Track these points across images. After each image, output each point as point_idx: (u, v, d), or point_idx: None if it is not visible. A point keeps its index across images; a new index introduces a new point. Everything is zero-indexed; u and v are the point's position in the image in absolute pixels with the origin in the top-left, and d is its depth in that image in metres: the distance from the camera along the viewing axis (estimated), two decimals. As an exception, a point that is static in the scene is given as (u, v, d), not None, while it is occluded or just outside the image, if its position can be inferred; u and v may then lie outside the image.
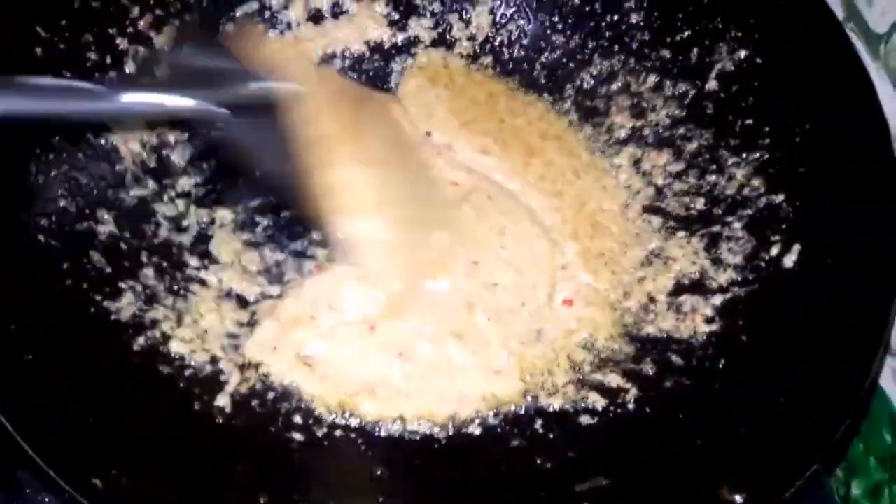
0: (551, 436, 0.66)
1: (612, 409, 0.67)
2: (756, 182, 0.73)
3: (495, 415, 0.68)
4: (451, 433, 0.67)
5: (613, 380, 0.69)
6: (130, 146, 0.74)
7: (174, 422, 0.62)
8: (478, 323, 0.71)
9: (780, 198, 0.71)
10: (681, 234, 0.76)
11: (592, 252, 0.76)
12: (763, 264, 0.70)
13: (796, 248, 0.68)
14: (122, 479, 0.55)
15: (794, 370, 0.62)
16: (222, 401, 0.65)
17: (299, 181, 0.69)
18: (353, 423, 0.67)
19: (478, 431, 0.67)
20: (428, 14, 0.86)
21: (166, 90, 0.65)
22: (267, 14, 0.83)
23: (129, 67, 0.75)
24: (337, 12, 0.85)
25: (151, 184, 0.74)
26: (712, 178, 0.76)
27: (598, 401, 0.68)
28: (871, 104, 0.68)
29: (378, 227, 0.71)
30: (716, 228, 0.74)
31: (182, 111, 0.66)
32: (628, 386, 0.68)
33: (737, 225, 0.73)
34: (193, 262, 0.73)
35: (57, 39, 0.70)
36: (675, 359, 0.68)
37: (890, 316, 0.63)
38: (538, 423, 0.67)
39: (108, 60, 0.74)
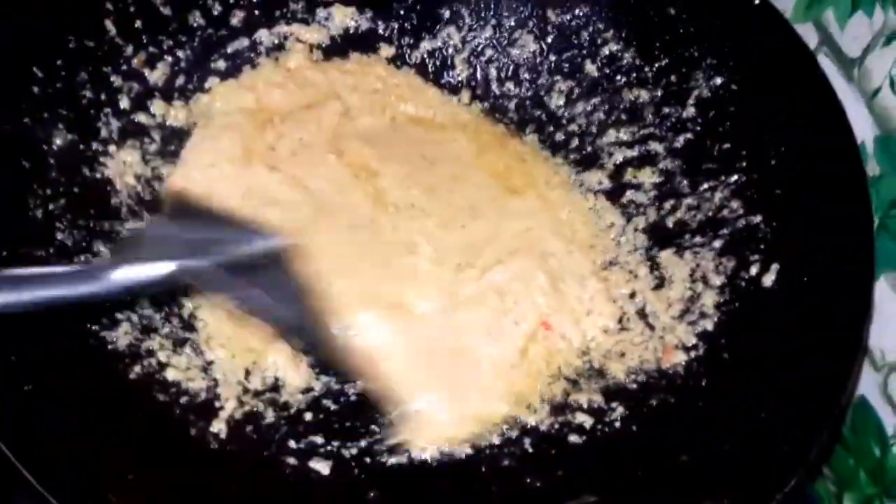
0: (541, 455, 0.67)
1: (599, 427, 0.68)
2: (734, 204, 0.75)
3: (486, 436, 0.69)
4: (441, 455, 0.67)
5: (597, 399, 0.70)
6: (126, 180, 0.76)
7: (170, 447, 0.63)
8: (468, 342, 0.72)
9: (757, 219, 0.73)
10: (661, 256, 0.77)
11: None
12: (743, 284, 0.71)
13: (774, 267, 0.70)
14: (119, 503, 0.56)
15: (774, 387, 0.64)
16: (217, 426, 0.66)
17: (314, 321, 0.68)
18: (350, 446, 0.68)
19: (468, 452, 0.68)
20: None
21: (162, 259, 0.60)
22: (260, 49, 0.85)
23: (124, 103, 0.77)
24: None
25: (146, 216, 0.75)
26: (691, 200, 0.78)
27: (585, 420, 0.69)
28: (842, 127, 0.70)
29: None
30: (696, 250, 0.76)
31: (181, 276, 0.60)
32: (614, 405, 0.69)
33: (716, 246, 0.75)
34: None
35: (53, 79, 0.72)
36: (661, 379, 0.70)
37: (865, 332, 0.64)
38: (528, 443, 0.68)
39: (103, 97, 0.76)
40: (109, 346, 0.67)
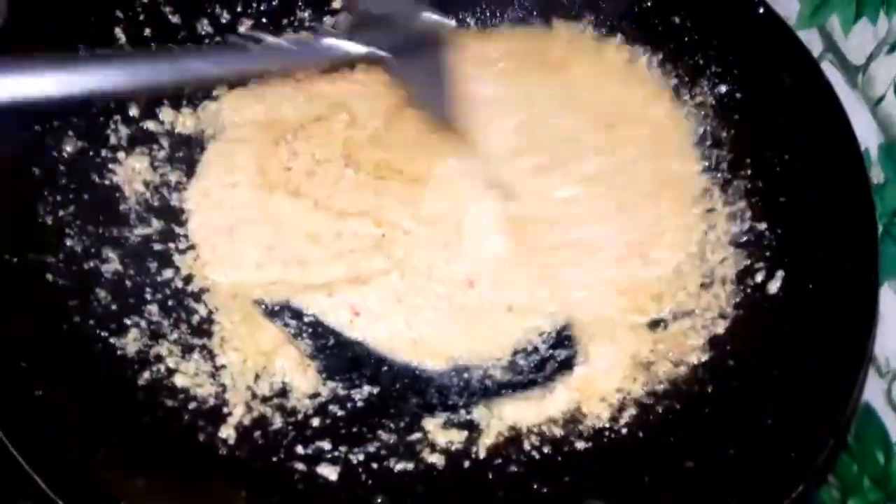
0: (548, 461, 0.67)
1: (605, 433, 0.68)
2: (742, 204, 0.75)
3: (493, 440, 0.69)
4: (448, 460, 0.68)
5: (604, 409, 0.70)
6: (134, 186, 0.76)
7: (179, 452, 0.64)
8: None
9: (762, 226, 0.73)
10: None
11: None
12: (749, 290, 0.71)
13: (780, 274, 0.70)
14: (129, 509, 0.56)
15: (779, 393, 0.64)
16: (226, 432, 0.66)
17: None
18: (357, 451, 0.68)
19: (475, 458, 0.68)
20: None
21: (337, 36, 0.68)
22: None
23: (133, 111, 0.78)
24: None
25: (155, 223, 0.76)
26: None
27: (592, 426, 0.69)
28: (845, 134, 0.70)
29: None
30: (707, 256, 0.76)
31: (351, 57, 0.69)
32: (621, 411, 0.69)
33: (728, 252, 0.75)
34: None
35: (63, 86, 0.73)
36: (666, 385, 0.70)
37: (870, 340, 0.64)
38: (534, 449, 0.68)
39: (112, 104, 0.76)
40: (119, 353, 0.67)
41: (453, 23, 0.75)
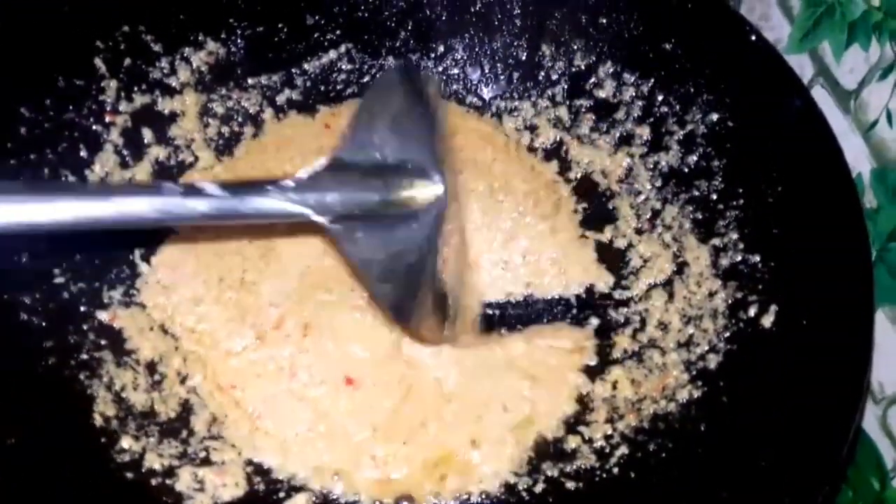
0: (539, 503, 0.66)
1: (597, 473, 0.67)
2: (734, 235, 0.74)
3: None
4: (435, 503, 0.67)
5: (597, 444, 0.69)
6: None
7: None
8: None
9: (756, 258, 0.72)
10: (660, 291, 0.77)
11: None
12: (742, 325, 0.70)
13: (773, 308, 0.69)
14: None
15: (774, 433, 0.63)
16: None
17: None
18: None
19: (467, 500, 0.67)
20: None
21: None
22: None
23: (116, 133, 0.77)
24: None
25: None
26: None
27: (582, 466, 0.68)
28: (838, 163, 0.69)
29: None
30: (693, 288, 0.75)
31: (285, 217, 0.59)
32: (613, 450, 0.68)
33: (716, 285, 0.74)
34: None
35: (41, 119, 0.71)
36: (657, 423, 0.69)
37: (866, 378, 0.63)
38: (524, 490, 0.67)
39: (94, 126, 0.75)
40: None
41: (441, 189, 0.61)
